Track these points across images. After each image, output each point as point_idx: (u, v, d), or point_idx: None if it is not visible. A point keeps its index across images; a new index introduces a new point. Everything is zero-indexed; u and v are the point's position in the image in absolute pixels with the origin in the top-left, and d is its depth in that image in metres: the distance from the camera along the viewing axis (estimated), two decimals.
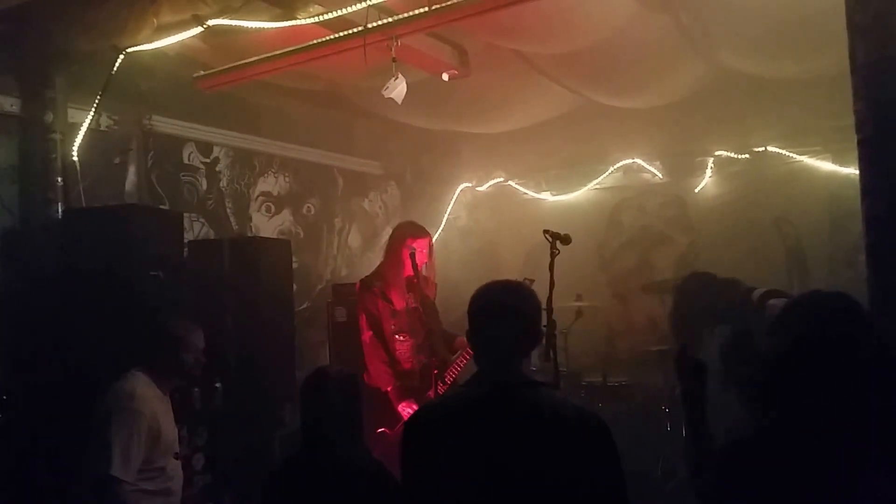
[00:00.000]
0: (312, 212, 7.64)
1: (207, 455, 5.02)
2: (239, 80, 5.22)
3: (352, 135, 7.93)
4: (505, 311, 2.63)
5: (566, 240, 4.17)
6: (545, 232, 4.17)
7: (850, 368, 2.24)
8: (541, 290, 4.25)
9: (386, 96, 4.60)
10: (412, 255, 5.26)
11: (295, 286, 6.39)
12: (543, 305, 4.04)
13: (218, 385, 5.18)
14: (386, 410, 5.17)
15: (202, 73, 5.26)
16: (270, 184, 7.19)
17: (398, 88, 4.56)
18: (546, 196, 8.58)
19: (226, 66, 5.12)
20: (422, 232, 5.50)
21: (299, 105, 6.92)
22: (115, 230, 4.80)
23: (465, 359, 5.31)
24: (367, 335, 5.35)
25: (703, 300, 4.41)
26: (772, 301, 4.12)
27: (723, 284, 4.47)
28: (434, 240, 8.21)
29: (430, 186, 8.73)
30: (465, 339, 5.29)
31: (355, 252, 8.10)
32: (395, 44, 4.46)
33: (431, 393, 5.14)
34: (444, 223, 8.57)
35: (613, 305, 7.78)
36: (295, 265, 6.60)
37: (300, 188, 7.50)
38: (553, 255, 4.12)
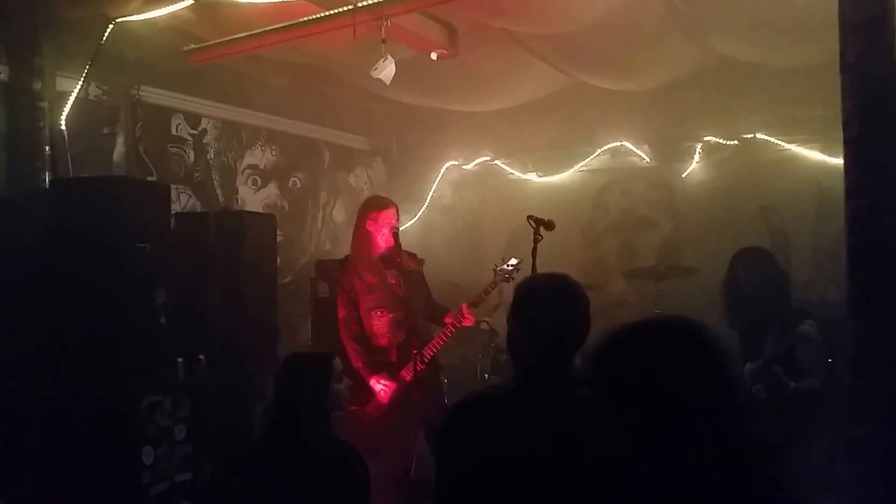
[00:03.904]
0: (298, 185, 7.65)
1: (189, 425, 5.04)
2: (228, 55, 5.22)
3: (339, 109, 7.90)
4: (560, 301, 2.52)
5: (550, 225, 4.18)
6: (529, 217, 4.18)
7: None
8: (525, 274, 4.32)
9: (375, 77, 4.60)
10: (395, 233, 5.28)
11: (279, 260, 6.41)
12: None
13: (201, 357, 5.19)
14: (358, 387, 5.18)
15: (192, 46, 5.24)
16: (257, 157, 7.19)
17: (387, 69, 4.56)
18: (532, 177, 8.57)
19: (215, 41, 5.10)
20: (385, 203, 5.44)
21: (287, 78, 6.88)
22: (102, 201, 4.78)
23: (445, 337, 5.33)
24: (341, 313, 5.37)
25: (761, 286, 4.57)
26: (809, 322, 4.37)
27: (781, 276, 4.65)
28: (418, 217, 8.29)
29: (416, 163, 8.72)
30: (453, 314, 5.36)
31: (340, 227, 8.09)
32: (385, 24, 4.46)
33: (409, 372, 5.18)
34: (428, 200, 8.58)
35: (595, 289, 7.78)
36: (279, 238, 6.61)
37: (286, 161, 7.50)
38: (536, 241, 4.13)
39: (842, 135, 3.31)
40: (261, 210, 7.05)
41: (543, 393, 2.45)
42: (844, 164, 3.17)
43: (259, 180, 7.17)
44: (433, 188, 8.66)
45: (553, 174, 8.45)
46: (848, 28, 3.16)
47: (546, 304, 2.54)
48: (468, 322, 5.31)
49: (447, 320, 5.37)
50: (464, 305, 5.31)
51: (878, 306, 3.02)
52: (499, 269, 5.41)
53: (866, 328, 3.03)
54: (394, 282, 5.34)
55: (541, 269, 4.19)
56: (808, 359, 4.47)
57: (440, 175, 8.73)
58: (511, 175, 8.69)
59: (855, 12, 3.12)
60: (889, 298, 3.00)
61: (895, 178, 3.02)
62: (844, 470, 3.65)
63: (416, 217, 8.41)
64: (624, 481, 2.14)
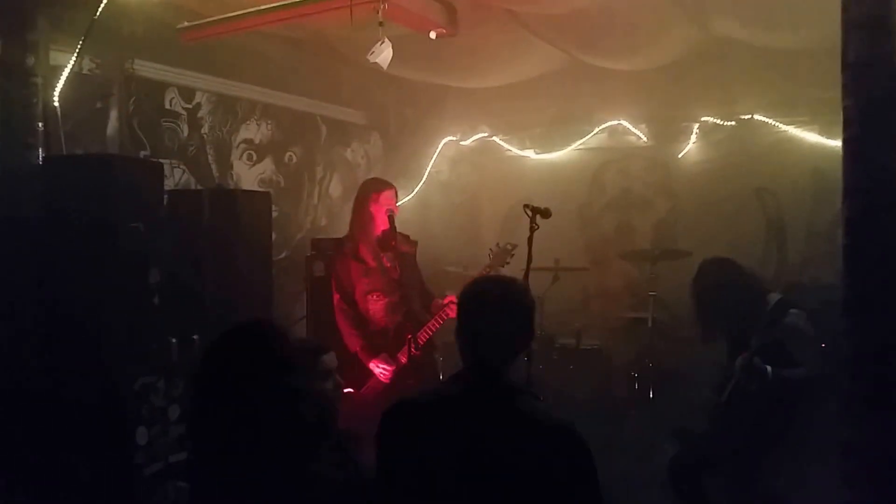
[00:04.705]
0: (294, 160, 7.59)
1: (183, 406, 5.04)
2: (222, 34, 5.16)
3: (336, 83, 7.82)
4: (496, 308, 2.54)
5: (546, 214, 4.15)
6: (525, 206, 4.15)
7: None
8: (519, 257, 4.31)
9: (371, 61, 4.55)
10: (390, 216, 5.28)
11: (274, 235, 6.38)
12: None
13: (195, 337, 5.18)
14: (355, 370, 5.21)
15: (186, 24, 5.18)
16: (252, 131, 7.11)
17: (384, 53, 4.51)
18: (530, 154, 8.54)
19: (209, 20, 5.04)
20: (385, 185, 5.48)
21: (283, 51, 6.82)
22: (95, 179, 4.74)
23: (439, 322, 5.32)
24: (335, 297, 5.38)
25: (725, 299, 4.61)
26: (793, 312, 4.38)
27: (744, 279, 4.68)
28: (415, 193, 8.26)
29: (414, 139, 8.66)
30: (440, 302, 5.37)
31: (336, 202, 8.05)
32: (382, 6, 4.40)
33: (404, 355, 5.19)
34: (426, 176, 8.54)
35: (590, 270, 7.79)
36: (275, 214, 6.56)
37: (282, 136, 7.44)
38: (532, 230, 4.10)
39: (839, 117, 3.28)
40: (256, 185, 7.01)
41: (479, 400, 2.47)
42: (843, 163, 3.13)
43: (254, 155, 7.11)
44: (431, 164, 8.61)
45: (550, 152, 8.41)
46: (850, 26, 3.11)
47: (485, 309, 2.57)
48: (454, 314, 5.31)
49: (434, 309, 5.38)
50: (450, 298, 5.31)
51: (875, 307, 3.01)
52: (493, 252, 5.41)
53: (862, 329, 3.02)
54: (389, 265, 5.35)
55: (537, 250, 4.18)
56: (797, 350, 4.48)
57: (438, 150, 8.68)
58: (508, 152, 8.65)
59: (857, 10, 3.07)
60: (885, 300, 2.99)
61: (893, 180, 2.99)
62: (833, 462, 3.68)
63: (414, 193, 8.38)
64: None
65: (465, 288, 2.67)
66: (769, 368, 4.43)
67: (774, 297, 4.69)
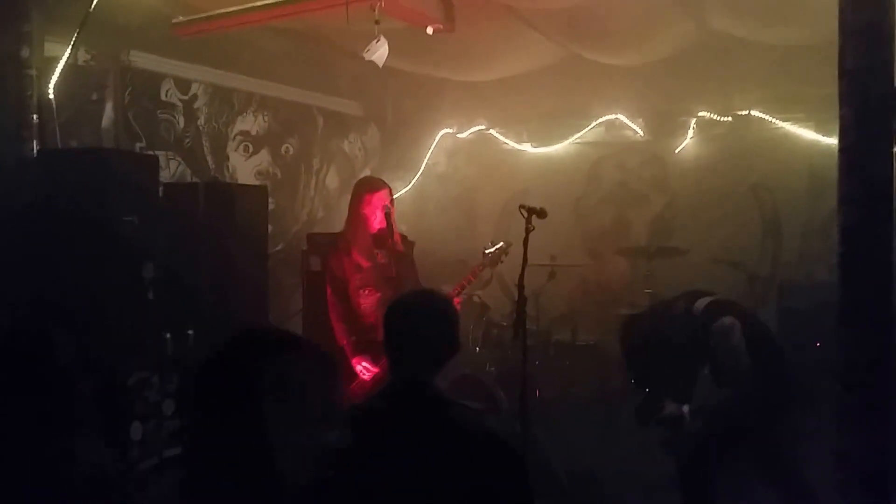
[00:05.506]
0: (291, 152, 7.56)
1: (178, 401, 5.04)
2: (216, 29, 5.13)
3: (333, 74, 7.81)
4: (419, 321, 2.63)
5: (542, 214, 4.14)
6: (521, 207, 4.14)
7: None
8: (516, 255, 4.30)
9: (367, 59, 4.54)
10: (388, 215, 5.27)
11: (270, 227, 6.37)
12: (516, 281, 4.16)
13: (190, 332, 5.17)
14: (344, 366, 5.23)
15: (180, 19, 5.16)
16: (249, 123, 7.09)
17: (380, 51, 4.50)
18: (526, 147, 8.51)
19: (203, 15, 5.02)
20: (379, 185, 5.45)
21: (280, 42, 6.79)
22: (90, 172, 4.73)
23: None
24: (329, 291, 5.41)
25: (646, 330, 4.60)
26: (725, 321, 4.34)
27: (660, 305, 4.67)
28: (412, 185, 8.26)
29: (411, 130, 8.65)
30: None
31: (332, 194, 8.04)
32: (379, 3, 4.38)
33: None
34: (422, 168, 8.53)
35: (586, 265, 7.77)
36: (271, 206, 6.56)
37: (279, 128, 7.41)
38: (528, 231, 4.09)
39: (836, 114, 3.26)
40: (252, 177, 7.00)
41: (407, 412, 2.52)
42: (839, 172, 3.11)
43: (251, 147, 7.09)
44: (428, 156, 8.60)
45: (547, 145, 8.39)
46: (847, 33, 3.09)
47: (409, 322, 2.65)
48: None
49: None
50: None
51: (869, 317, 3.00)
52: (487, 252, 5.42)
53: (856, 339, 3.01)
54: (384, 261, 5.36)
55: (533, 242, 4.16)
56: (726, 367, 4.41)
57: (435, 143, 8.66)
58: (505, 145, 8.62)
59: (854, 17, 3.05)
60: (880, 310, 2.98)
61: (889, 189, 2.99)
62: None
63: (411, 185, 8.37)
64: None
65: (390, 303, 2.79)
66: (685, 410, 4.46)
67: (703, 301, 4.55)
